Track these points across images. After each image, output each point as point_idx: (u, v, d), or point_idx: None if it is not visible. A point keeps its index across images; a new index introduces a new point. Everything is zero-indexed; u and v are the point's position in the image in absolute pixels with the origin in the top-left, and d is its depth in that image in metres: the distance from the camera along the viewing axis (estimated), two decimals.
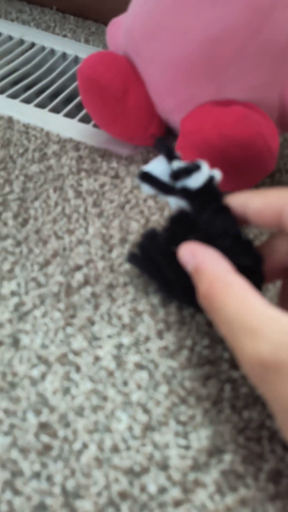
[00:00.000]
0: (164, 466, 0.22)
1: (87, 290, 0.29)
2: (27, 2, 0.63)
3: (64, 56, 0.54)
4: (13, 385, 0.24)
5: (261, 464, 0.23)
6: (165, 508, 0.21)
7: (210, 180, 0.24)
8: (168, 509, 0.21)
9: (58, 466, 0.22)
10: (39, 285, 0.29)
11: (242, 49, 0.31)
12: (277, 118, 0.35)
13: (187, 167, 0.24)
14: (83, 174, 0.37)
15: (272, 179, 0.39)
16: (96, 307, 0.28)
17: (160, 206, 0.35)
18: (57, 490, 0.21)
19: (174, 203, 0.25)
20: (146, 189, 0.26)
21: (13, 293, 0.28)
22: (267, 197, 0.22)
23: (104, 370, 0.25)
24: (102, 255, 0.31)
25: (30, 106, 0.44)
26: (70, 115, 0.44)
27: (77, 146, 0.40)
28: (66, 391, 0.24)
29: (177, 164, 0.24)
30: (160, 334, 0.27)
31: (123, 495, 0.21)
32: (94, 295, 0.29)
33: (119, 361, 0.26)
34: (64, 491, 0.21)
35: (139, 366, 0.26)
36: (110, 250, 0.32)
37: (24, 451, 0.22)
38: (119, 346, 0.27)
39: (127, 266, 0.31)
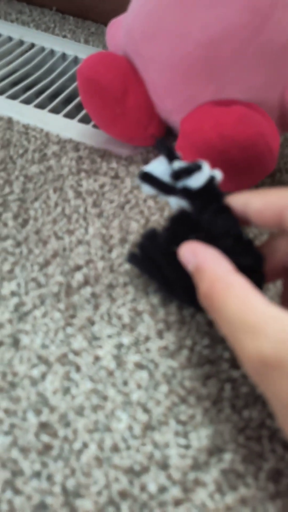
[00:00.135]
0: (164, 466, 0.22)
1: (87, 290, 0.29)
2: (27, 3, 0.63)
3: (63, 56, 0.54)
4: (13, 385, 0.24)
5: (261, 463, 0.23)
6: (165, 507, 0.21)
7: (211, 180, 0.24)
8: (168, 508, 0.21)
9: (58, 465, 0.22)
10: (39, 285, 0.29)
11: (242, 49, 0.31)
12: (278, 118, 0.35)
13: (188, 167, 0.24)
14: (83, 174, 0.37)
15: (272, 179, 0.39)
16: (96, 307, 0.28)
17: (160, 206, 0.35)
18: (57, 489, 0.21)
19: (175, 203, 0.25)
20: (147, 189, 0.26)
21: (13, 294, 0.28)
22: (268, 197, 0.22)
23: (104, 370, 0.25)
24: (102, 255, 0.31)
25: (30, 107, 0.44)
26: (70, 115, 0.44)
27: (77, 146, 0.40)
28: (66, 391, 0.24)
29: (178, 164, 0.24)
30: (160, 334, 0.27)
31: (123, 494, 0.21)
32: (94, 295, 0.29)
33: (119, 361, 0.26)
34: (65, 490, 0.21)
35: (139, 366, 0.26)
36: (110, 250, 0.32)
37: (24, 450, 0.22)
38: (119, 346, 0.27)
39: (127, 266, 0.31)
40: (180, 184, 0.24)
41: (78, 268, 0.30)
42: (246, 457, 0.23)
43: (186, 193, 0.24)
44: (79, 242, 0.32)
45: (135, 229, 0.33)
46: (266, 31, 0.31)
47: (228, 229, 0.23)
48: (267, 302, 0.19)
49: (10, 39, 0.55)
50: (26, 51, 0.54)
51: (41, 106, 0.45)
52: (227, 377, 0.26)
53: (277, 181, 0.39)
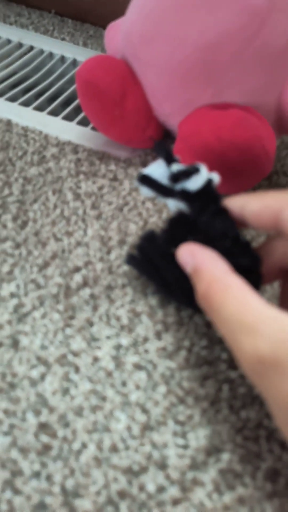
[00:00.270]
0: (162, 466, 0.22)
1: (86, 292, 0.29)
2: (26, 5, 0.63)
3: (62, 59, 0.54)
4: (12, 386, 0.25)
5: (258, 463, 0.23)
6: (164, 507, 0.21)
7: (209, 182, 0.24)
8: (167, 507, 0.21)
9: (57, 465, 0.22)
10: (38, 286, 0.29)
11: (239, 53, 0.32)
12: (274, 121, 0.35)
13: (186, 170, 0.24)
14: (81, 176, 0.37)
15: (269, 181, 0.40)
16: (95, 308, 0.29)
17: (158, 208, 0.35)
18: (56, 489, 0.21)
19: (173, 205, 0.25)
20: (145, 192, 0.26)
21: (12, 295, 0.29)
22: (265, 200, 0.22)
23: (103, 371, 0.26)
24: (100, 257, 0.31)
25: (29, 109, 0.44)
26: (69, 118, 0.44)
27: (75, 148, 0.40)
28: (65, 391, 0.25)
29: (176, 167, 0.24)
30: (158, 335, 0.28)
31: (122, 494, 0.21)
32: (93, 296, 0.29)
33: (118, 362, 0.26)
34: (64, 490, 0.21)
35: (137, 367, 0.26)
36: (108, 252, 0.32)
37: (24, 451, 0.22)
38: (118, 347, 0.27)
39: (125, 268, 0.31)
40: (179, 186, 0.25)
41: (77, 269, 0.30)
42: (244, 457, 0.23)
43: (184, 195, 0.24)
44: (78, 243, 0.32)
45: (134, 231, 0.33)
46: (263, 34, 0.31)
47: (226, 231, 0.23)
48: (264, 302, 0.19)
49: (9, 41, 0.56)
50: (25, 53, 0.54)
51: (40, 108, 0.45)
52: (225, 378, 0.26)
53: (274, 184, 0.40)
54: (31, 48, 0.55)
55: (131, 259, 0.29)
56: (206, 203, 0.24)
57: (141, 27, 0.35)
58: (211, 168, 0.27)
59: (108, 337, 0.27)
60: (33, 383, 0.25)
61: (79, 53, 0.54)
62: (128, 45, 0.37)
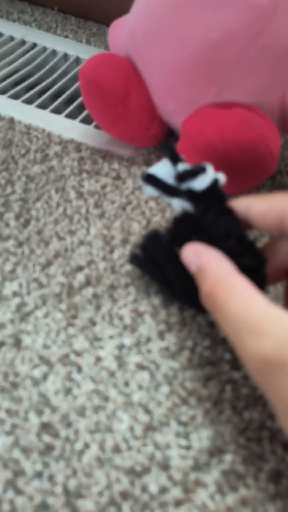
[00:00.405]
0: (165, 466, 0.22)
1: (88, 291, 0.29)
2: (29, 2, 0.63)
3: (65, 56, 0.54)
4: (15, 385, 0.24)
5: (261, 464, 0.23)
6: (166, 507, 0.21)
7: (215, 182, 0.24)
8: (169, 508, 0.21)
9: (60, 466, 0.22)
10: (41, 285, 0.29)
11: (243, 52, 0.32)
12: (278, 120, 0.35)
13: (193, 170, 0.24)
14: (84, 175, 0.37)
15: (273, 181, 0.40)
16: (98, 307, 0.28)
17: (161, 207, 0.35)
18: (58, 489, 0.21)
19: (178, 204, 0.25)
20: (150, 191, 0.26)
21: (15, 294, 0.29)
22: (270, 201, 0.22)
23: (106, 371, 0.26)
24: (103, 256, 0.31)
25: (32, 107, 0.44)
26: (72, 116, 0.44)
27: (78, 147, 0.40)
28: (68, 391, 0.25)
29: (182, 167, 0.24)
30: (161, 335, 0.27)
31: (125, 495, 0.21)
32: (95, 296, 0.29)
33: (121, 362, 0.26)
34: (66, 490, 0.21)
35: (140, 367, 0.26)
36: (111, 251, 0.32)
37: (26, 451, 0.22)
38: (121, 347, 0.27)
39: (128, 267, 0.31)
40: (184, 186, 0.24)
41: (79, 268, 0.30)
42: (247, 458, 0.23)
43: (190, 195, 0.24)
44: (81, 242, 0.32)
45: (137, 230, 0.33)
46: (267, 34, 0.31)
47: (231, 231, 0.23)
48: (268, 302, 0.19)
49: (12, 38, 0.55)
50: (28, 51, 0.54)
51: (43, 106, 0.45)
52: (228, 378, 0.26)
53: (278, 183, 0.40)
54: (34, 45, 0.55)
55: (134, 259, 0.29)
56: (212, 203, 0.24)
57: (145, 25, 0.35)
58: (215, 167, 0.27)
59: (110, 337, 0.27)
60: (36, 382, 0.25)
61: (83, 51, 0.54)
62: (132, 43, 0.37)
